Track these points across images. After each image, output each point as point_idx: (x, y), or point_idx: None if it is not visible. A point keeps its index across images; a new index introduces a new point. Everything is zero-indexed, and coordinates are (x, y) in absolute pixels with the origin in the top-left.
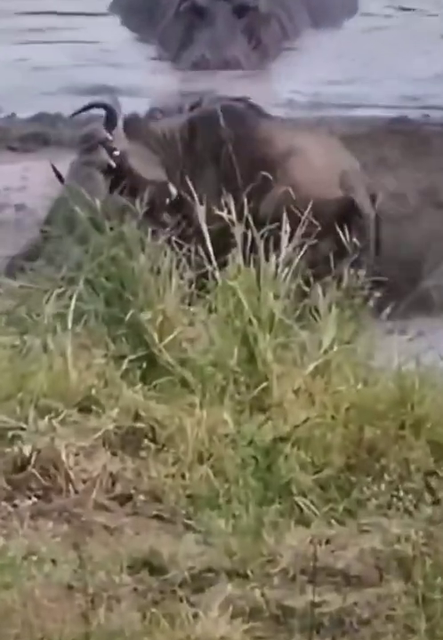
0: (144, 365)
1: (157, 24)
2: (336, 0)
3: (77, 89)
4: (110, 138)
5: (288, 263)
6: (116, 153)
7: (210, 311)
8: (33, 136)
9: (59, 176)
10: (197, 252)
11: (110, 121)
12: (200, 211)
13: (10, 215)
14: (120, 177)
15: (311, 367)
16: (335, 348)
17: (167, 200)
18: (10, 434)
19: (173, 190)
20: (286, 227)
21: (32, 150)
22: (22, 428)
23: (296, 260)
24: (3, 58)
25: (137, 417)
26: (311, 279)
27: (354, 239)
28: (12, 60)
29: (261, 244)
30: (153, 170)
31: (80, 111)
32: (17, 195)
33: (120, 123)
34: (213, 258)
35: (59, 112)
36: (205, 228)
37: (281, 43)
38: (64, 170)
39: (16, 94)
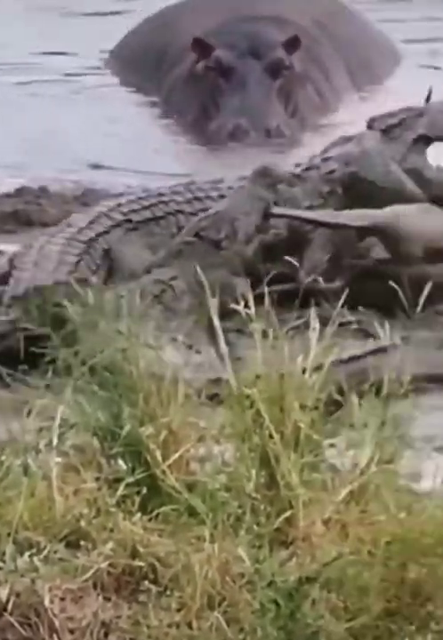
0: (144, 491)
1: (162, 80)
2: (377, 54)
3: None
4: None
5: (318, 367)
6: None
7: (223, 425)
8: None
9: None
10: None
11: None
12: (211, 303)
13: None
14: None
15: (344, 493)
16: (373, 469)
17: None
18: None
19: None
20: (316, 323)
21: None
22: None
23: (327, 363)
24: None
25: (135, 553)
26: (345, 385)
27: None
28: None
29: (284, 344)
30: None
31: None
32: None
33: None
34: (227, 360)
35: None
36: (216, 322)
37: (318, 111)
38: None
39: None
